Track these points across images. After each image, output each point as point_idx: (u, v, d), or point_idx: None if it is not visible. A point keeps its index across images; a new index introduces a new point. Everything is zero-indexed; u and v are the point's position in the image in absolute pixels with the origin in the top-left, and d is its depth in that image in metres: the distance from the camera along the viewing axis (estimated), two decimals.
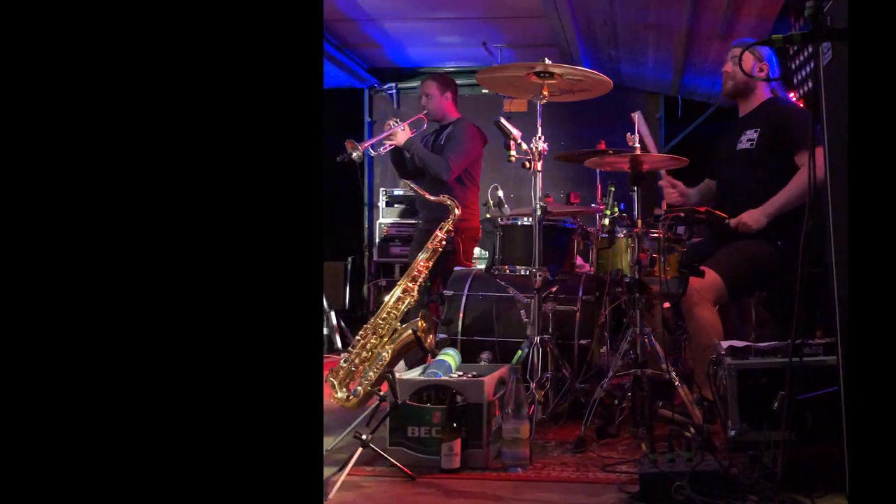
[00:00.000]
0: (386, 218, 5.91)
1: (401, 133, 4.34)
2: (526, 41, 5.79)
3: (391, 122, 4.37)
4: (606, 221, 3.21)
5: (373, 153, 4.49)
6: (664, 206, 3.63)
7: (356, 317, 6.07)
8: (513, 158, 3.07)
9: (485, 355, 3.30)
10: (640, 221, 2.93)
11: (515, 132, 3.09)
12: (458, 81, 6.53)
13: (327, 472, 2.30)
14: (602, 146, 3.66)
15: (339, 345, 5.32)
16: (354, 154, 4.18)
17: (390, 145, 4.38)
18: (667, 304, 3.36)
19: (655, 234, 2.92)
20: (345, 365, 2.67)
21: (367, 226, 6.76)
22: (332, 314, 5.36)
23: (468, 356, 3.11)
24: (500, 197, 3.58)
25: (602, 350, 3.42)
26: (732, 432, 2.27)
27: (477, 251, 5.93)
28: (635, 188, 2.99)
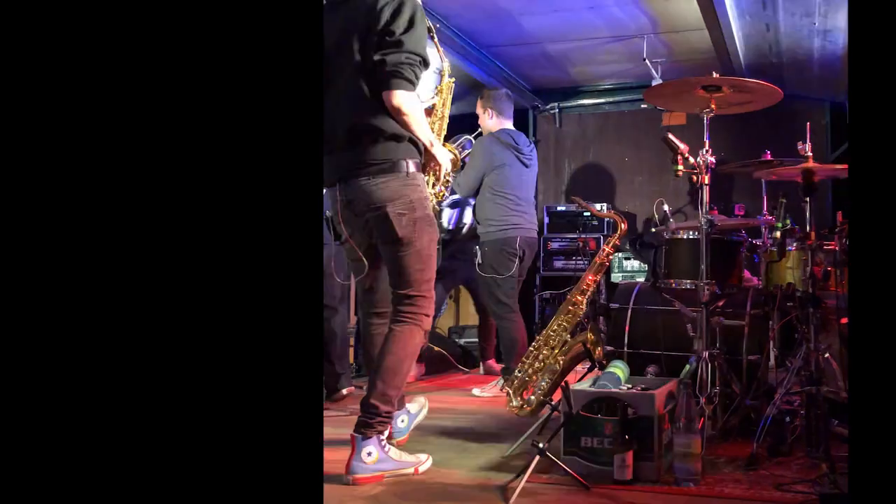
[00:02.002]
0: (549, 233, 5.90)
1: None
2: (686, 54, 5.64)
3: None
4: (777, 234, 3.08)
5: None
6: (840, 217, 3.43)
7: None
8: (680, 173, 3.00)
9: (651, 368, 3.24)
10: (812, 233, 2.78)
11: (682, 146, 3.02)
12: (619, 98, 6.54)
13: (505, 478, 2.34)
14: (768, 156, 3.51)
15: None
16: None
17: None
18: (844, 320, 3.17)
19: (830, 247, 2.76)
20: (519, 375, 2.69)
21: None
22: None
23: (634, 369, 3.06)
24: (665, 211, 3.51)
25: (770, 365, 3.27)
26: None
27: (636, 264, 5.80)
28: (808, 199, 2.84)
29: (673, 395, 2.58)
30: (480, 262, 4.23)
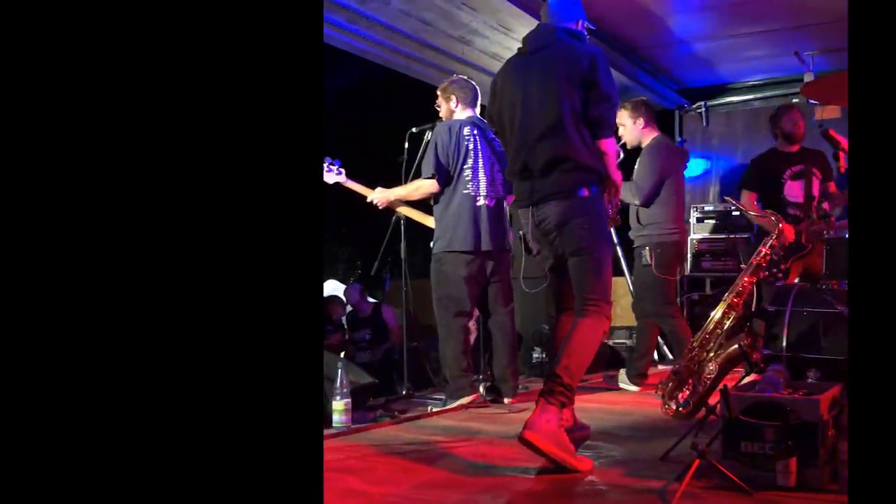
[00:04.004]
0: (697, 234, 5.71)
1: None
2: (840, 45, 5.32)
3: None
4: None
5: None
6: None
7: None
8: (843, 168, 2.85)
9: (811, 373, 3.08)
10: None
11: (844, 141, 2.86)
12: (767, 93, 6.26)
13: (663, 480, 2.30)
14: None
15: (656, 356, 5.25)
16: None
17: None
18: None
19: None
20: (674, 377, 2.64)
21: None
22: None
23: (794, 373, 2.92)
24: (824, 209, 3.35)
25: None
26: None
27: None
28: None
29: (837, 401, 2.44)
30: (652, 262, 4.21)
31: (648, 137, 4.33)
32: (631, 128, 4.36)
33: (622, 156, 4.28)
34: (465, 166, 3.86)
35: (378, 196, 4.02)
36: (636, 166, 4.34)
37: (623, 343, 5.43)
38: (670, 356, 5.32)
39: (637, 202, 4.25)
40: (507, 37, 4.80)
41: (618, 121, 4.33)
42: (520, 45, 2.92)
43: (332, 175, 4.10)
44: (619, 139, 4.32)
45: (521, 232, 2.85)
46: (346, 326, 7.42)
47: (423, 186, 3.87)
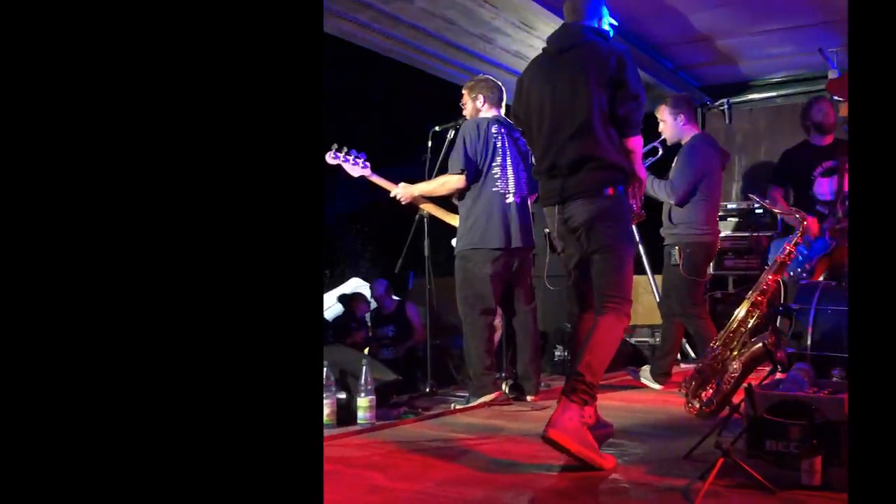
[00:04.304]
0: (720, 231, 5.66)
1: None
2: None
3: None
4: None
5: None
6: None
7: None
8: None
9: (836, 372, 3.05)
10: None
11: None
12: (791, 90, 6.19)
13: (686, 478, 2.29)
14: None
15: (678, 355, 5.22)
16: None
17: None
18: None
19: None
20: (697, 376, 2.63)
21: None
22: None
23: (819, 372, 2.89)
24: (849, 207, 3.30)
25: None
26: None
27: None
28: None
29: None
30: (680, 262, 4.14)
31: (688, 135, 4.24)
32: (671, 124, 4.26)
33: (660, 153, 4.26)
34: (493, 164, 3.85)
35: (401, 191, 4.02)
36: (673, 164, 4.26)
37: (645, 342, 5.41)
38: (693, 355, 5.28)
39: (672, 201, 4.17)
40: (530, 35, 4.79)
41: (658, 116, 4.30)
42: (545, 45, 2.92)
43: (358, 168, 4.09)
44: (659, 135, 4.28)
45: (545, 230, 2.85)
46: (369, 324, 7.44)
47: (450, 182, 3.86)
